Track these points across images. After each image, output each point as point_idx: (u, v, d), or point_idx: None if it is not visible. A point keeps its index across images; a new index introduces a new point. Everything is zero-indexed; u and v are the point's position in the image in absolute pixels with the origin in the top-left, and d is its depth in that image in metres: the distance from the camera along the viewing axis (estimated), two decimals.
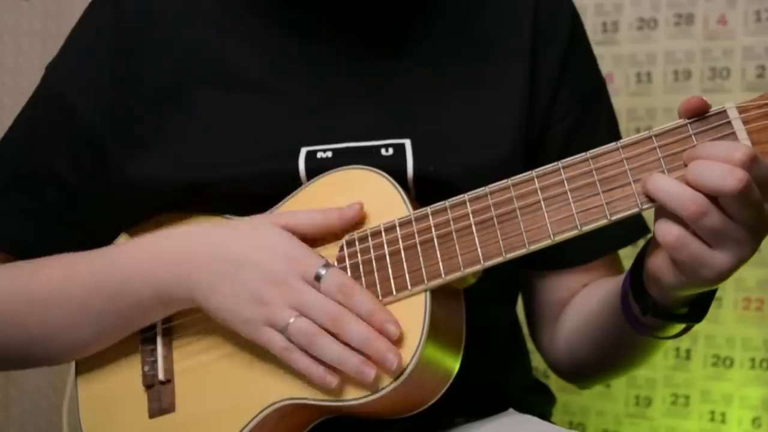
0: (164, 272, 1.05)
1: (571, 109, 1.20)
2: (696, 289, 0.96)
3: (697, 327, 1.04)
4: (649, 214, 0.99)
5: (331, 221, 1.04)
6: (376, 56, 1.17)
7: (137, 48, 1.18)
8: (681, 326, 1.04)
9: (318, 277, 0.99)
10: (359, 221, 1.05)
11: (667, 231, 0.90)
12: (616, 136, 1.23)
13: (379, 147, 1.10)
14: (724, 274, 0.91)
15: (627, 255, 1.26)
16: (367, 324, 0.98)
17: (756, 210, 0.88)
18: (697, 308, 1.01)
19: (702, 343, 1.75)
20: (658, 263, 0.96)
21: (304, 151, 1.10)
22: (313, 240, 1.05)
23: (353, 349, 0.98)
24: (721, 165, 0.88)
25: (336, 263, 1.04)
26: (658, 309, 1.00)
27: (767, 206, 0.90)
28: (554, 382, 1.34)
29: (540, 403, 1.29)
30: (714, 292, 1.01)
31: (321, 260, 1.01)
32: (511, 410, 1.19)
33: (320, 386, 0.99)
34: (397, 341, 0.98)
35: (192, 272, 1.04)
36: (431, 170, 1.09)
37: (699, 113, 0.92)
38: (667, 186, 0.90)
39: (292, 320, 0.99)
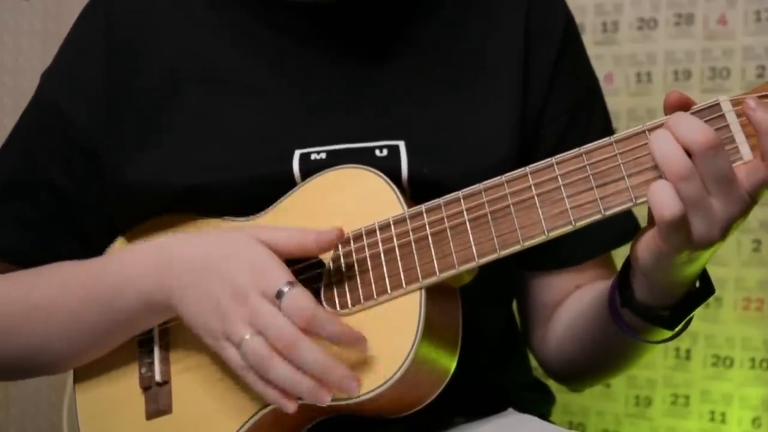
0: (148, 281, 1.05)
1: (564, 110, 1.20)
2: (668, 272, 0.96)
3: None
4: (642, 215, 0.99)
5: (309, 244, 1.02)
6: (368, 58, 1.16)
7: (130, 53, 1.18)
8: (664, 332, 1.03)
9: (279, 295, 0.97)
10: (336, 243, 1.02)
11: (679, 158, 0.89)
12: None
13: (373, 148, 1.10)
14: (695, 246, 0.91)
15: (626, 252, 1.26)
16: (333, 344, 0.96)
17: (722, 181, 0.89)
18: (676, 316, 1.01)
19: (702, 343, 1.75)
20: (640, 244, 0.96)
21: (297, 153, 1.10)
22: None
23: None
24: (697, 121, 0.90)
25: (331, 262, 1.04)
26: (633, 302, 1.01)
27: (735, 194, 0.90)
28: (554, 382, 1.34)
29: (540, 403, 1.29)
30: (694, 302, 1.01)
31: (286, 277, 0.98)
32: (510, 410, 1.19)
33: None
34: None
35: (169, 282, 1.04)
36: (425, 171, 1.09)
37: (684, 107, 0.93)
38: (669, 147, 0.90)
39: (247, 337, 0.96)
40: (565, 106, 1.20)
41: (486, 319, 1.18)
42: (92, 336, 1.12)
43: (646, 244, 0.95)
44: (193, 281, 1.01)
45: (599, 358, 1.18)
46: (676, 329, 1.03)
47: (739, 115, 0.90)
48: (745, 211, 0.91)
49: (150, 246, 1.09)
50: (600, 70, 1.28)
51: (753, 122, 0.88)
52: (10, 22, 1.99)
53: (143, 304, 1.06)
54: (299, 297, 0.96)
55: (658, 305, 1.01)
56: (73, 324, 1.12)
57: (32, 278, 1.17)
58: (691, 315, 1.02)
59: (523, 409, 1.19)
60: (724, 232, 0.90)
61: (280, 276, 0.98)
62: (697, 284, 1.01)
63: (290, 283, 0.97)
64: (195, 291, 1.01)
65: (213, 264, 1.01)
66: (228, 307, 0.98)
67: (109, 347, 1.13)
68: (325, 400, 0.96)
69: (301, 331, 0.95)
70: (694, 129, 0.89)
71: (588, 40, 1.28)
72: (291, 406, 0.97)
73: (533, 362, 1.34)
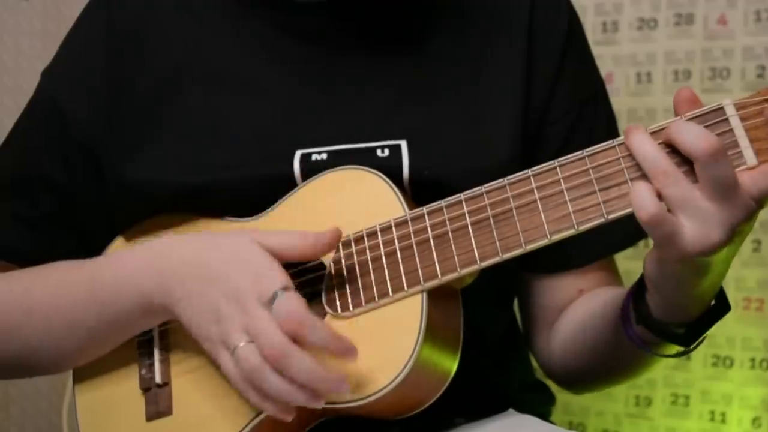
0: (148, 284, 1.05)
1: (568, 110, 1.19)
2: (677, 284, 0.96)
3: None
4: None
5: (307, 248, 1.01)
6: (370, 57, 1.16)
7: (131, 51, 1.18)
8: (676, 346, 1.03)
9: (272, 300, 0.96)
10: (335, 245, 1.02)
11: (659, 158, 0.90)
12: (615, 136, 1.22)
13: (374, 148, 1.10)
14: (693, 250, 0.90)
15: (628, 256, 1.26)
16: (323, 351, 0.95)
17: (725, 187, 0.88)
18: (691, 333, 1.01)
19: (702, 343, 1.75)
20: (647, 256, 0.96)
21: (298, 153, 1.10)
22: None
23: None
24: (699, 128, 0.89)
25: (333, 264, 1.04)
26: (648, 319, 1.00)
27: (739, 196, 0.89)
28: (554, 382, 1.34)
29: (540, 403, 1.29)
30: (709, 320, 1.01)
31: (282, 282, 0.97)
32: (510, 410, 1.19)
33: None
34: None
35: (169, 284, 1.03)
36: (426, 173, 1.08)
37: (692, 103, 0.92)
38: (647, 148, 0.90)
39: (241, 345, 0.96)
40: (569, 104, 1.20)
41: (487, 319, 1.18)
42: (90, 336, 1.12)
43: (651, 256, 0.95)
44: (194, 286, 1.01)
45: (605, 366, 1.18)
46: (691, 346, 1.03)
47: (743, 119, 0.90)
48: (750, 216, 0.90)
49: (149, 248, 1.08)
50: (600, 70, 1.28)
51: None
52: (10, 22, 1.98)
53: (142, 306, 1.06)
54: (289, 301, 0.95)
55: (672, 322, 1.00)
56: (70, 325, 1.11)
57: (29, 278, 1.17)
58: (706, 334, 1.02)
59: (523, 409, 1.19)
60: (726, 237, 0.89)
61: (277, 281, 0.97)
62: (713, 302, 1.00)
63: (285, 288, 0.96)
64: (195, 296, 1.01)
65: (213, 269, 1.01)
66: (226, 313, 0.98)
67: (108, 347, 1.13)
68: (318, 406, 0.95)
69: (290, 340, 0.94)
70: (697, 135, 0.88)
71: (588, 40, 1.28)
72: (287, 416, 0.96)
73: (534, 363, 1.34)
